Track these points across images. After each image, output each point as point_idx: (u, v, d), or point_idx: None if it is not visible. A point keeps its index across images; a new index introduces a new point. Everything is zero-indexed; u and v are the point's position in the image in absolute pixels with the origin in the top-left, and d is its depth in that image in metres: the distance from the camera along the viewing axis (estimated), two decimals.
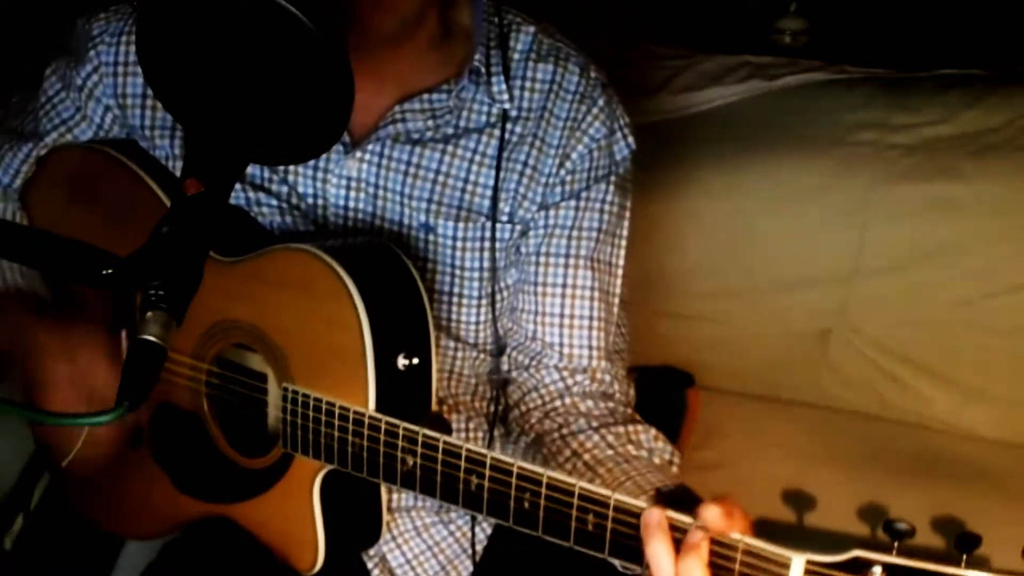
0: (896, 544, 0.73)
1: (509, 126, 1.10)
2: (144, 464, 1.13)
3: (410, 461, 0.93)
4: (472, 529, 1.17)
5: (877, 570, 0.72)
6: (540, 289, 1.13)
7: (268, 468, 1.04)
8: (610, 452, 1.04)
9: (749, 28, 2.25)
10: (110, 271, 0.74)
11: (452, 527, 1.18)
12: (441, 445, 0.91)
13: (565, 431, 1.08)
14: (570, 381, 1.13)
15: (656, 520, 0.80)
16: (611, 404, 1.12)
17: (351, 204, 1.11)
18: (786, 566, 0.76)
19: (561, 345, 1.13)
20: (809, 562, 0.75)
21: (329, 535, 1.02)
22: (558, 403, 1.12)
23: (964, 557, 0.71)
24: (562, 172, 1.11)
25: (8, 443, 1.35)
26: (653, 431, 1.09)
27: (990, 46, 2.03)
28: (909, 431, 1.75)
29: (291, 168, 1.11)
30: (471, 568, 1.18)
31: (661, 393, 1.70)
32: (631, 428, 1.08)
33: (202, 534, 1.10)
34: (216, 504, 1.09)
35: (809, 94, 1.88)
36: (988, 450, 1.69)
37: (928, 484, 1.55)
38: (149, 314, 0.72)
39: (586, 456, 1.04)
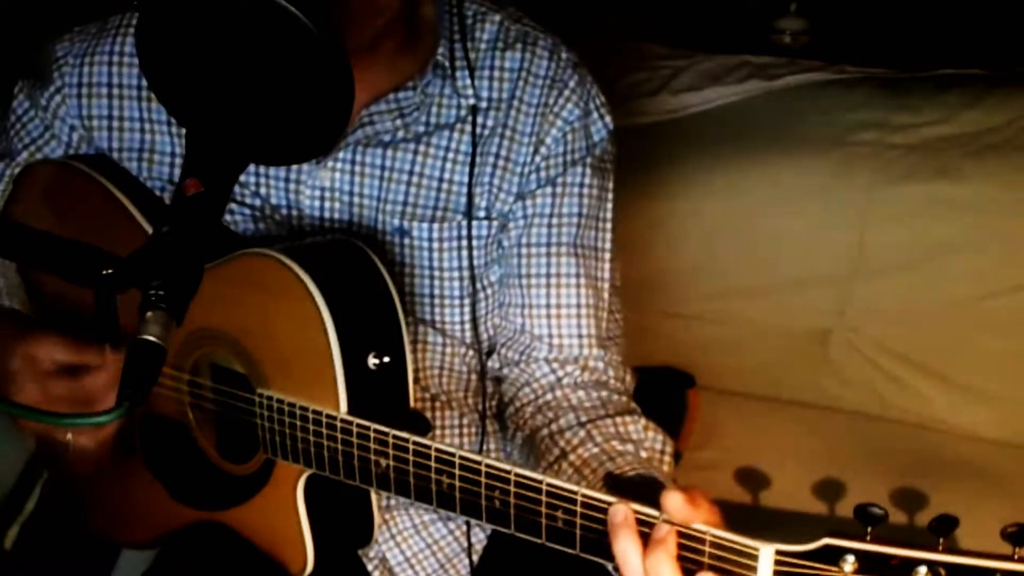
0: (869, 530, 0.72)
1: (480, 119, 1.08)
2: (139, 472, 1.13)
3: (383, 463, 0.92)
4: (467, 526, 1.17)
5: (850, 558, 0.71)
6: (525, 281, 1.11)
7: (253, 474, 1.04)
8: (595, 451, 1.02)
9: (749, 28, 2.25)
10: (110, 271, 0.74)
11: (451, 525, 1.18)
12: (411, 446, 0.90)
13: (554, 427, 1.07)
14: (560, 373, 1.11)
15: (622, 516, 0.80)
16: (604, 393, 1.10)
17: (327, 215, 1.10)
18: (754, 557, 0.75)
19: (550, 336, 1.11)
20: (779, 552, 0.74)
21: (317, 537, 1.02)
22: (549, 396, 1.11)
23: (940, 541, 0.70)
24: (537, 159, 1.09)
25: (8, 443, 1.35)
26: (643, 421, 1.07)
27: (990, 46, 2.03)
28: (909, 431, 1.75)
29: (263, 180, 1.10)
30: (470, 566, 1.18)
31: (661, 393, 1.69)
32: (619, 420, 1.06)
33: (198, 538, 1.10)
34: (209, 511, 1.09)
35: (809, 94, 1.88)
36: (988, 450, 1.68)
37: (928, 484, 1.55)
38: (149, 314, 0.72)
39: (572, 456, 1.03)
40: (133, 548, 1.24)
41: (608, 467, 0.99)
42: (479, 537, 1.18)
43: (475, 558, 1.18)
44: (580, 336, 1.12)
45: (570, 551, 0.85)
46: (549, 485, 0.84)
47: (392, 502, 1.15)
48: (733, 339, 1.86)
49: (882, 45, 2.11)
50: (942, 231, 1.71)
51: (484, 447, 1.17)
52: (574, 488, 0.83)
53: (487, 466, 0.86)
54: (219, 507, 1.08)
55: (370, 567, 1.16)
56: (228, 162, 0.79)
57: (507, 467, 0.86)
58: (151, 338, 0.71)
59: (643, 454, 1.03)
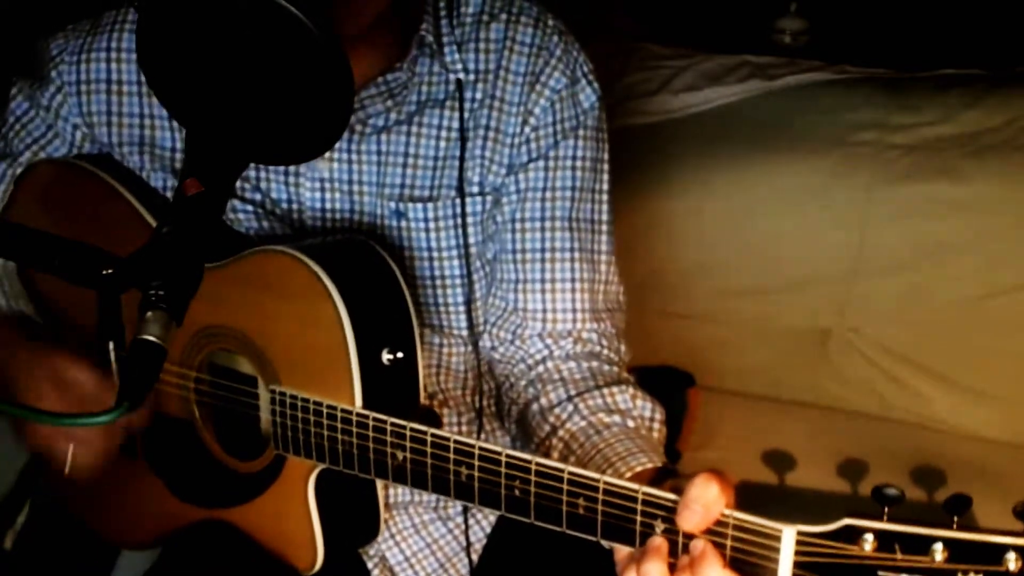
0: (886, 510, 0.73)
1: (468, 93, 1.07)
2: (141, 474, 1.13)
3: (400, 455, 0.92)
4: (465, 523, 1.17)
5: (869, 537, 0.72)
6: (519, 256, 1.10)
7: (262, 471, 1.04)
8: (583, 424, 1.03)
9: (749, 28, 2.25)
10: (110, 271, 0.74)
11: (450, 524, 1.18)
12: (429, 438, 0.91)
13: (544, 402, 1.07)
14: (554, 347, 1.11)
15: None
16: (595, 364, 1.10)
17: (327, 205, 1.10)
18: (777, 538, 0.76)
19: (544, 311, 1.11)
20: (800, 533, 0.75)
21: (327, 533, 1.02)
22: (540, 368, 1.10)
23: (955, 519, 0.72)
24: (526, 130, 1.08)
25: (8, 443, 1.35)
26: (631, 390, 1.07)
27: (990, 46, 2.03)
28: (909, 431, 1.75)
29: (263, 175, 1.10)
30: (469, 565, 1.18)
31: (661, 393, 1.69)
32: (607, 391, 1.06)
33: (202, 536, 1.10)
34: (214, 509, 1.09)
35: (809, 94, 1.88)
36: (988, 450, 1.69)
37: (928, 484, 1.55)
38: (149, 314, 0.72)
39: (561, 431, 1.04)
40: (134, 549, 1.24)
41: (594, 440, 1.00)
42: (478, 536, 1.18)
43: (474, 557, 1.18)
44: (574, 311, 1.11)
45: (591, 538, 0.85)
46: (571, 474, 0.84)
47: (392, 501, 1.15)
48: (733, 339, 1.86)
49: (882, 45, 2.11)
50: (942, 231, 1.71)
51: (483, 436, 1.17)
52: (596, 476, 0.83)
53: (508, 456, 0.87)
54: (225, 505, 1.08)
55: (370, 565, 1.16)
56: (228, 162, 0.79)
57: (528, 456, 0.86)
58: (151, 338, 0.71)
59: (630, 424, 1.03)
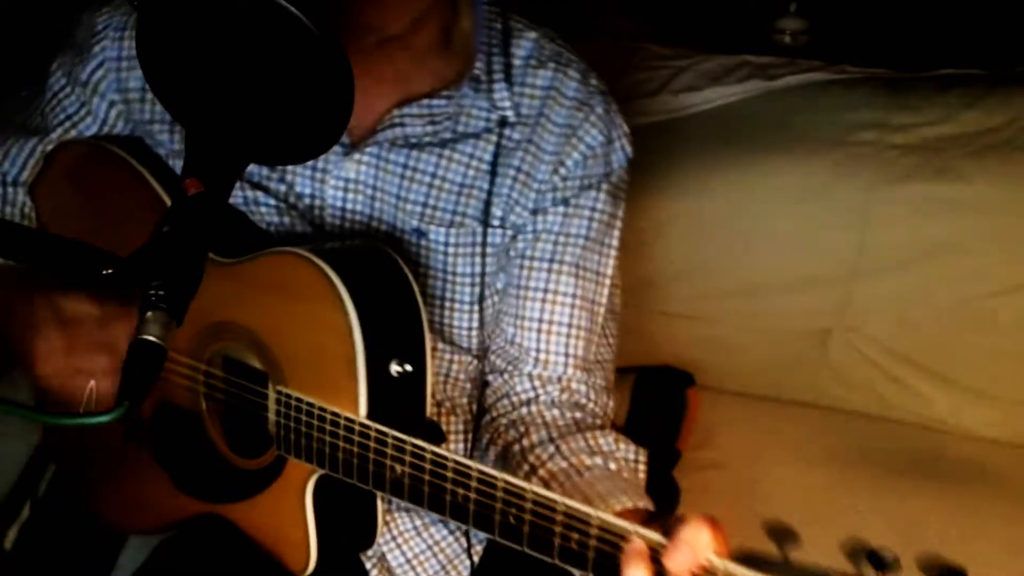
0: (880, 575, 0.72)
1: (507, 131, 1.09)
2: (145, 461, 1.13)
3: (398, 470, 0.92)
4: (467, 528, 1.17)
5: None
6: (522, 292, 1.12)
7: (263, 469, 1.04)
8: (564, 465, 1.03)
9: (749, 28, 2.25)
10: (110, 271, 0.74)
11: (452, 526, 1.18)
12: (429, 456, 0.90)
13: (525, 443, 1.07)
14: (541, 391, 1.11)
15: (639, 547, 0.81)
16: (579, 414, 1.10)
17: (348, 206, 1.11)
18: None
19: (538, 351, 1.12)
20: None
21: (321, 538, 1.02)
22: (524, 410, 1.11)
23: None
24: (555, 178, 1.10)
25: (8, 443, 1.36)
26: (614, 435, 1.07)
27: (990, 46, 2.03)
28: (909, 431, 1.75)
29: (290, 168, 1.11)
30: (470, 567, 1.18)
31: (661, 393, 1.69)
32: (590, 435, 1.06)
33: (196, 533, 1.10)
34: (213, 503, 1.09)
35: (809, 94, 1.88)
36: (988, 450, 1.69)
37: (929, 485, 1.55)
38: (149, 314, 0.72)
39: (541, 471, 1.03)
40: (136, 533, 1.24)
41: (575, 480, 1.00)
42: (479, 538, 1.18)
43: (475, 559, 1.18)
44: (566, 355, 1.12)
45: (581, 572, 0.85)
46: (566, 507, 0.84)
47: (394, 504, 1.15)
48: (733, 339, 1.86)
49: (882, 45, 2.11)
50: (942, 231, 1.71)
51: (475, 454, 1.18)
52: (590, 511, 0.83)
53: (505, 482, 0.86)
54: (223, 500, 1.08)
55: (368, 565, 1.16)
56: (228, 162, 0.79)
57: (525, 485, 0.86)
58: (151, 338, 0.71)
59: (612, 466, 1.03)
